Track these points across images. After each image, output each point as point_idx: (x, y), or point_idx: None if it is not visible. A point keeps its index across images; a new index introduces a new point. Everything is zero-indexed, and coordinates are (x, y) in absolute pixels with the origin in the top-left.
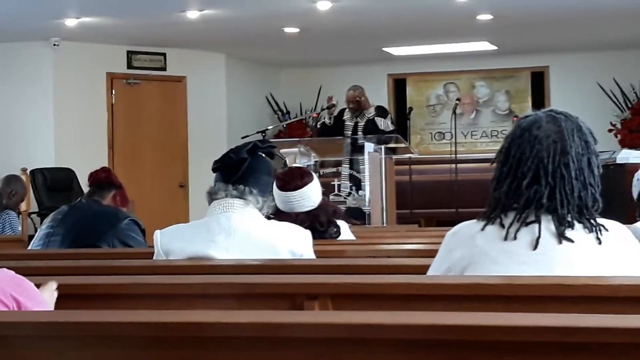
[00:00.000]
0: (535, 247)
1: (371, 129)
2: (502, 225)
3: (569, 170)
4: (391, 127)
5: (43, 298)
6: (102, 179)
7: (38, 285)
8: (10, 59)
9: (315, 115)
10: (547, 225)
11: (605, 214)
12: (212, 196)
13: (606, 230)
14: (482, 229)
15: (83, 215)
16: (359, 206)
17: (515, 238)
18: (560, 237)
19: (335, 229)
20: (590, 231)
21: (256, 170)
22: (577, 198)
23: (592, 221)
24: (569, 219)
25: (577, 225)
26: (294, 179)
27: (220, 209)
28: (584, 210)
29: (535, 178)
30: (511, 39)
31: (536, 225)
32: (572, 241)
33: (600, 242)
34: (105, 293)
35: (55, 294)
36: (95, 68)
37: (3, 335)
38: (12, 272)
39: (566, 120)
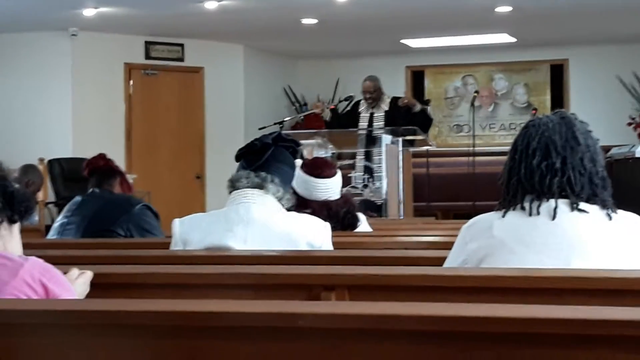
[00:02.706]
0: (553, 218)
1: (423, 119)
2: (523, 208)
3: (577, 142)
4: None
5: (70, 285)
6: (102, 167)
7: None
8: (29, 48)
9: (332, 107)
10: (563, 202)
11: (624, 208)
12: (233, 183)
13: (615, 213)
14: (503, 216)
15: (97, 204)
16: (374, 198)
17: (538, 213)
18: (575, 208)
19: (357, 220)
20: (602, 208)
21: (279, 160)
22: (587, 168)
23: (603, 197)
24: (581, 192)
25: (592, 200)
26: (327, 167)
27: (240, 199)
28: (594, 178)
29: (545, 154)
30: (530, 31)
31: (552, 200)
32: (586, 212)
33: (610, 218)
34: (122, 282)
35: (88, 285)
36: (113, 58)
37: (23, 323)
38: (41, 260)
39: (571, 115)
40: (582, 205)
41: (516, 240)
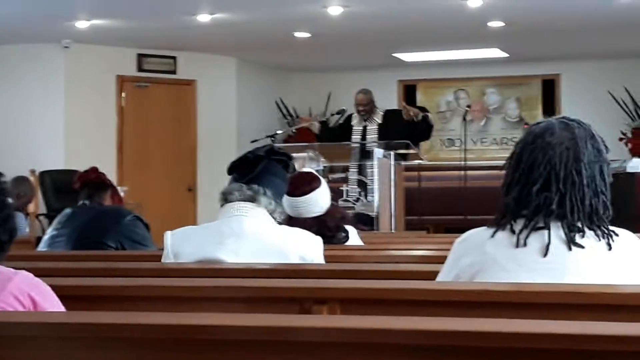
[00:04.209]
0: (545, 254)
1: (425, 126)
2: (513, 232)
3: (580, 177)
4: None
5: (59, 301)
6: (94, 180)
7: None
8: (21, 60)
9: (325, 120)
10: (557, 232)
11: (614, 223)
12: (225, 196)
13: (617, 235)
14: (492, 236)
15: (87, 216)
16: (367, 212)
17: (525, 244)
18: (570, 243)
19: (344, 234)
20: (601, 238)
21: (271, 173)
22: (588, 205)
23: (602, 228)
24: (579, 225)
25: (588, 233)
26: (302, 185)
27: (232, 212)
28: (594, 217)
29: (546, 184)
30: (522, 46)
31: (546, 232)
32: (582, 247)
33: (610, 248)
34: (114, 295)
35: None
36: (106, 70)
37: (11, 335)
38: (31, 275)
39: (579, 127)
40: (579, 239)
41: (508, 258)
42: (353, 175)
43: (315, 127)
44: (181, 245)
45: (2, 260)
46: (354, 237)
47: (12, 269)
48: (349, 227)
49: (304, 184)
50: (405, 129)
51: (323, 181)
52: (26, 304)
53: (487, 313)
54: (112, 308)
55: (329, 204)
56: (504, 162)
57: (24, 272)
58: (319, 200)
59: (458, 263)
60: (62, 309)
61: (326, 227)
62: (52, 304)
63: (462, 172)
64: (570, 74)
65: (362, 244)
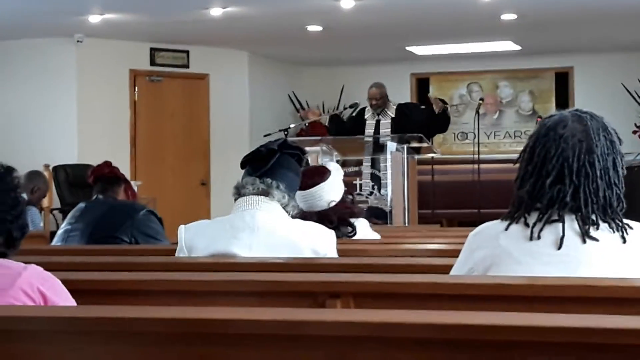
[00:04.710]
0: (559, 247)
1: (445, 119)
2: (527, 225)
3: (594, 169)
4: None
5: (69, 295)
6: (107, 174)
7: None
8: (34, 55)
9: (337, 113)
10: (571, 225)
11: (628, 216)
12: (239, 190)
13: (631, 228)
14: (506, 229)
15: (101, 210)
16: (380, 206)
17: (539, 237)
18: (585, 236)
19: (350, 229)
20: (615, 231)
21: (284, 167)
22: (602, 197)
23: (616, 220)
24: (593, 217)
25: (602, 225)
26: (304, 179)
27: (246, 206)
28: (608, 209)
29: (559, 177)
30: (535, 39)
31: (560, 225)
32: (596, 240)
33: (625, 241)
34: (127, 289)
35: None
36: (118, 65)
37: (23, 329)
38: (41, 268)
39: (592, 119)
40: (593, 232)
41: (522, 251)
42: (366, 169)
43: (325, 119)
44: (195, 239)
45: (13, 256)
46: (367, 231)
47: (21, 264)
48: (361, 220)
49: (306, 178)
50: (419, 123)
51: (332, 176)
52: (36, 299)
53: (500, 307)
54: (125, 302)
55: (339, 197)
56: (517, 155)
57: (33, 265)
58: (323, 195)
59: (472, 256)
60: (72, 302)
61: (328, 220)
62: (62, 298)
63: (476, 166)
64: (584, 67)
65: (377, 236)
